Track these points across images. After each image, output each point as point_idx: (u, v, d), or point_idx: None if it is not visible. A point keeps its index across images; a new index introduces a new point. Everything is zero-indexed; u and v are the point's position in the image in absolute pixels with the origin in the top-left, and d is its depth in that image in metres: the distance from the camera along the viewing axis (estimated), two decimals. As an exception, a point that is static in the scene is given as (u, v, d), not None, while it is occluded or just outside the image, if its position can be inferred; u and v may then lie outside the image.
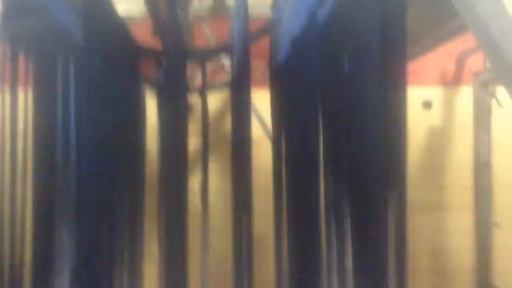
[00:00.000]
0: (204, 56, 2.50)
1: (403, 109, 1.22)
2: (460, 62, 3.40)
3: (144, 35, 2.89)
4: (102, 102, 1.74)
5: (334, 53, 1.37)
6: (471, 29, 0.82)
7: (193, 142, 2.86)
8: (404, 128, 1.21)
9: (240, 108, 1.91)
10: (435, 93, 3.49)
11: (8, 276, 1.43)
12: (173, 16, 1.85)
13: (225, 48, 2.63)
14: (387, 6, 1.16)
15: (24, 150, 1.54)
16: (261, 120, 3.01)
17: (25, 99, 1.51)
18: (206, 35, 3.23)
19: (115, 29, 2.01)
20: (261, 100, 2.62)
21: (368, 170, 1.30)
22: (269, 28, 2.03)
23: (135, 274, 2.36)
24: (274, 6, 1.96)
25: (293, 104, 1.80)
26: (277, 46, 1.90)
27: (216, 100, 3.29)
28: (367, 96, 1.30)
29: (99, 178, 1.73)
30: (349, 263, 1.51)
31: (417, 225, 3.29)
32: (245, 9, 1.75)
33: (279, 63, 1.89)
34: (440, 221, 3.35)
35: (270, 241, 2.23)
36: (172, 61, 1.83)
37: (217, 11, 3.13)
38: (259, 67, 3.10)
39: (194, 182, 2.87)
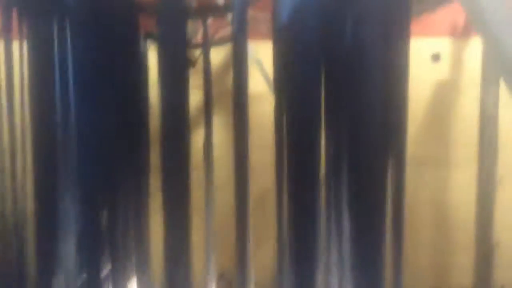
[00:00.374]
0: (204, 12, 2.45)
1: (405, 66, 1.21)
2: (471, 13, 3.29)
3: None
4: (100, 61, 1.72)
5: (336, 15, 1.34)
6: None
7: (197, 97, 2.85)
8: (405, 85, 1.21)
9: (239, 62, 1.91)
10: (444, 44, 3.41)
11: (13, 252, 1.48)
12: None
13: (226, 6, 2.58)
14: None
15: (22, 104, 1.54)
16: (265, 75, 2.98)
17: (20, 53, 1.49)
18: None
19: None
20: (266, 53, 2.58)
21: (369, 126, 1.31)
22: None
23: (141, 228, 2.42)
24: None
25: (294, 62, 1.78)
26: (279, 4, 1.86)
27: (220, 55, 3.25)
28: (369, 53, 1.29)
29: (100, 139, 1.75)
30: (347, 222, 1.54)
31: (420, 179, 3.31)
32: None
33: (281, 22, 1.86)
34: (444, 176, 3.36)
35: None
36: (168, 18, 1.80)
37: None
38: (265, 19, 3.03)
39: (198, 138, 2.89)
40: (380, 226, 1.32)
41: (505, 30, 0.74)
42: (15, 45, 1.42)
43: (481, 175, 2.94)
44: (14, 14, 1.43)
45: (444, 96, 3.38)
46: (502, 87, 3.05)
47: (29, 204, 1.54)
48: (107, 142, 1.89)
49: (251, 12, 2.63)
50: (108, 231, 1.96)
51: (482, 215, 2.91)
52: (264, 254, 2.27)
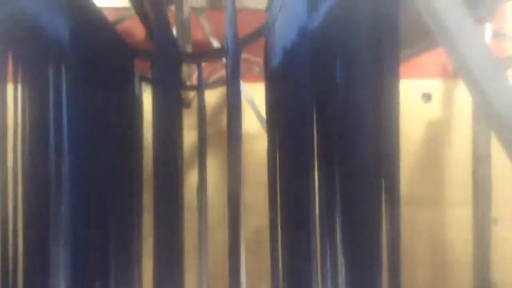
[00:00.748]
0: (198, 59, 2.51)
1: (396, 106, 1.23)
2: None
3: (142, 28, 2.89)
4: (95, 105, 1.75)
5: (325, 58, 1.38)
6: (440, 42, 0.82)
7: (191, 137, 2.88)
8: (397, 124, 1.22)
9: (233, 104, 1.94)
10: (435, 85, 3.48)
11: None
12: (162, 21, 1.85)
13: (219, 52, 2.64)
14: (379, 13, 1.16)
15: (15, 148, 1.54)
16: (258, 115, 3.02)
17: (14, 97, 1.51)
18: (203, 26, 3.22)
19: (104, 31, 2.01)
20: (260, 95, 2.62)
21: (361, 165, 1.31)
22: (263, 31, 2.04)
23: (131, 269, 2.39)
24: (268, 10, 1.96)
25: (286, 103, 1.81)
26: (271, 50, 1.91)
27: (214, 96, 3.30)
28: (359, 93, 1.31)
29: (94, 176, 1.75)
30: (341, 258, 1.52)
31: (416, 218, 3.30)
32: (235, 21, 1.76)
33: (273, 66, 1.90)
34: (439, 215, 3.35)
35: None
36: (162, 65, 1.84)
37: (214, 3, 3.12)
38: (258, 63, 3.10)
39: (192, 178, 2.89)
40: (376, 265, 1.30)
41: (489, 77, 0.76)
42: (9, 88, 1.45)
43: (476, 214, 2.94)
44: (10, 58, 1.45)
45: (436, 136, 3.42)
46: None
47: (20, 247, 1.52)
48: (100, 184, 1.89)
49: (244, 56, 2.69)
50: (99, 273, 1.93)
51: (479, 253, 2.89)
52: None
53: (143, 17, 2.06)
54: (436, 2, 0.81)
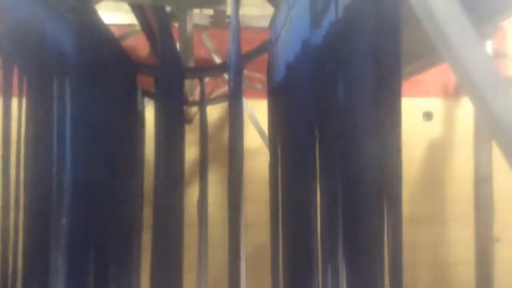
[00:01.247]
0: (201, 73, 2.52)
1: (398, 125, 1.22)
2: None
3: (147, 44, 2.91)
4: (98, 119, 1.75)
5: (327, 75, 1.38)
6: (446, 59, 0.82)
7: (193, 152, 2.87)
8: (398, 142, 1.21)
9: (235, 120, 1.94)
10: (436, 104, 3.49)
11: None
12: (166, 36, 1.86)
13: (221, 67, 2.65)
14: (381, 29, 1.17)
15: (18, 162, 1.54)
16: (260, 131, 3.02)
17: (19, 109, 1.51)
18: (206, 43, 3.25)
19: (109, 46, 2.02)
20: (261, 111, 2.63)
21: (362, 183, 1.30)
22: (266, 47, 2.05)
23: (129, 285, 2.37)
24: (272, 26, 1.98)
25: (288, 120, 1.81)
26: (274, 65, 1.92)
27: (216, 112, 3.31)
28: (361, 112, 1.31)
29: (94, 188, 1.74)
30: (343, 274, 1.51)
31: (417, 235, 3.28)
32: (239, 36, 1.77)
33: (276, 82, 1.91)
34: (441, 234, 3.33)
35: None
36: (165, 79, 1.85)
37: (217, 22, 3.14)
38: (260, 79, 3.11)
39: (192, 194, 2.88)
40: (378, 282, 1.28)
41: (493, 92, 0.76)
42: (14, 102, 1.45)
43: (478, 232, 2.92)
44: (15, 72, 1.46)
45: (438, 154, 3.41)
46: (495, 145, 3.09)
47: (19, 260, 1.51)
48: (100, 199, 1.88)
49: (246, 72, 2.71)
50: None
51: (481, 272, 2.86)
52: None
53: (148, 31, 2.07)
54: (440, 17, 0.81)
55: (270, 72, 2.04)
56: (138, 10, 1.95)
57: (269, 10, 2.29)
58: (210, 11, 3.15)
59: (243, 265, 2.09)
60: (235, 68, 1.71)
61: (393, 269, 1.21)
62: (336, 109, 1.40)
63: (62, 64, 1.56)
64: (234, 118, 1.94)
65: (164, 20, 1.91)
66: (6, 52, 1.40)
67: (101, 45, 1.87)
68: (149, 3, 1.84)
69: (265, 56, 2.30)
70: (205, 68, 2.77)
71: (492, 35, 1.83)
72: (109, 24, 2.35)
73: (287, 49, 1.66)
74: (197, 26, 3.04)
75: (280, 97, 1.89)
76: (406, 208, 1.50)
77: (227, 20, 3.05)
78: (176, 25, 2.65)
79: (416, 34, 1.48)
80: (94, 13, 1.84)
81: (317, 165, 1.60)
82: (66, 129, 1.61)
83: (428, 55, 1.94)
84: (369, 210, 1.25)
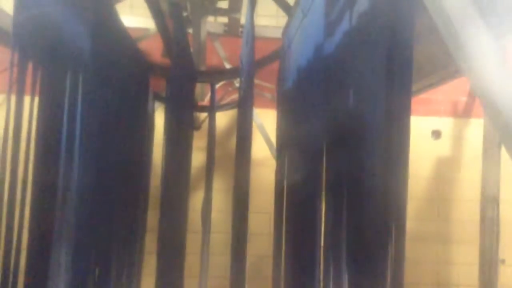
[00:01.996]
0: (213, 77, 2.53)
1: (406, 140, 1.22)
2: (472, 94, 3.39)
3: (159, 48, 2.93)
4: (108, 117, 1.76)
5: (339, 84, 1.38)
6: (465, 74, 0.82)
7: (200, 158, 2.88)
8: (406, 160, 1.21)
9: (243, 128, 1.94)
10: (445, 123, 3.48)
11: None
12: (181, 37, 1.88)
13: (233, 71, 2.66)
14: (394, 42, 1.17)
15: (26, 161, 1.54)
16: (268, 141, 3.02)
17: (31, 107, 1.52)
18: (218, 51, 3.27)
19: (124, 46, 2.04)
20: (270, 121, 2.63)
21: (369, 199, 1.30)
22: (279, 54, 2.06)
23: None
24: (285, 34, 1.99)
25: (297, 129, 1.81)
26: (285, 72, 1.92)
27: (225, 119, 3.31)
28: (371, 127, 1.31)
29: (102, 192, 1.74)
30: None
31: (421, 255, 3.25)
32: (253, 39, 1.78)
33: (286, 88, 1.91)
34: (445, 253, 3.30)
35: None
36: (178, 81, 1.86)
37: (231, 30, 3.17)
38: (269, 89, 3.12)
39: (197, 200, 2.87)
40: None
41: (507, 97, 0.76)
42: (27, 100, 1.46)
43: (483, 254, 2.88)
44: (29, 68, 1.47)
45: (445, 173, 3.40)
46: (503, 165, 3.07)
47: (23, 256, 1.51)
48: (106, 199, 1.88)
49: (256, 81, 2.72)
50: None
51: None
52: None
53: (164, 32, 2.09)
54: (456, 23, 0.81)
55: (280, 79, 2.05)
56: (155, 9, 1.96)
57: (282, 21, 2.31)
58: (224, 19, 3.17)
59: (246, 274, 2.07)
60: (247, 73, 1.72)
61: (395, 285, 1.20)
62: (345, 121, 1.39)
63: (77, 61, 1.58)
64: (243, 123, 1.94)
65: (179, 20, 1.92)
66: (22, 46, 1.41)
67: (117, 44, 1.89)
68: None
69: (274, 66, 2.31)
70: (217, 72, 2.79)
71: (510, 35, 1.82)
72: (124, 27, 2.38)
73: (300, 56, 1.66)
74: (210, 34, 3.07)
75: (290, 103, 1.89)
76: (411, 225, 1.49)
77: (240, 29, 3.07)
78: (190, 31, 2.68)
79: (424, 50, 1.48)
80: (113, 12, 1.85)
81: (324, 179, 1.60)
82: (76, 126, 1.62)
83: (436, 72, 1.94)
84: (374, 226, 1.24)
